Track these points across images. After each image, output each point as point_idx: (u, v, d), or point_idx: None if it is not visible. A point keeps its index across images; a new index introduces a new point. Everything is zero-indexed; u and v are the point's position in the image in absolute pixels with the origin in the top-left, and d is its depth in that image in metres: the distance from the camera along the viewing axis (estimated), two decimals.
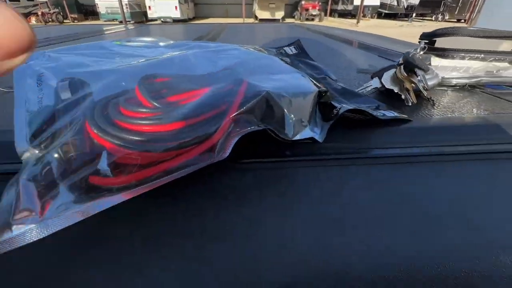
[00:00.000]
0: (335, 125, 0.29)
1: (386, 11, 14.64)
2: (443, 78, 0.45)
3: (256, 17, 11.94)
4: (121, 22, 7.89)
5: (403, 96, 0.39)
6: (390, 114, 0.32)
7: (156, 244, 0.18)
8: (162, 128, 0.20)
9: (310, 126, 0.27)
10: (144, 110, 0.22)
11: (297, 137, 0.26)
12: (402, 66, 0.39)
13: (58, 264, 0.16)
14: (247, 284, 0.16)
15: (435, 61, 0.47)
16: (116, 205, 0.17)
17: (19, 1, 9.81)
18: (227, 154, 0.20)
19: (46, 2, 9.95)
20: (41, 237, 0.15)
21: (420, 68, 0.37)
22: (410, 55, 0.40)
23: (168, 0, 9.70)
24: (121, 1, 7.23)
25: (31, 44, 0.08)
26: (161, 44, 0.41)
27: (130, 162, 0.19)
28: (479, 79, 0.46)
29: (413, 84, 0.39)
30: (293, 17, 13.08)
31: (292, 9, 13.72)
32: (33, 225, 0.15)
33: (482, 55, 0.45)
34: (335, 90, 0.37)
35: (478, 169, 0.25)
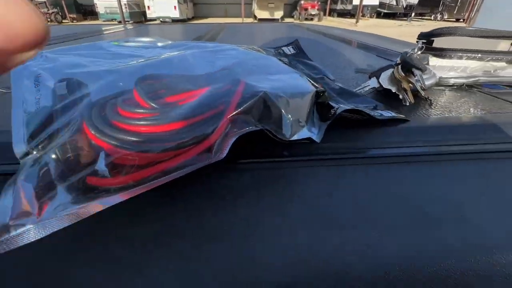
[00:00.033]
0: (332, 125, 0.29)
1: (385, 11, 14.66)
2: (440, 77, 0.45)
3: (255, 17, 11.94)
4: (120, 22, 7.88)
5: (400, 96, 0.39)
6: (388, 114, 0.32)
7: (154, 244, 0.18)
8: (160, 129, 0.20)
9: (308, 126, 0.27)
10: (142, 110, 0.22)
11: (295, 137, 0.26)
12: (399, 66, 0.39)
13: (57, 264, 0.16)
14: (246, 284, 0.16)
15: (433, 60, 0.47)
16: (114, 206, 0.17)
17: None
18: (225, 154, 0.20)
19: (45, 2, 9.92)
20: (39, 237, 0.15)
21: (417, 68, 0.37)
22: (407, 55, 0.40)
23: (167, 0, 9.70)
24: (120, 1, 7.22)
25: (46, 38, 0.08)
26: (159, 44, 0.41)
27: (127, 163, 0.19)
28: (476, 78, 0.46)
29: (410, 84, 0.39)
30: (292, 16, 13.08)
31: (291, 8, 13.72)
32: (31, 226, 0.15)
33: (480, 55, 0.45)
34: (333, 90, 0.37)
35: (475, 169, 0.26)
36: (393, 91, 0.39)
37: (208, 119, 0.22)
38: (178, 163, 0.19)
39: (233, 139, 0.21)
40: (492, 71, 0.46)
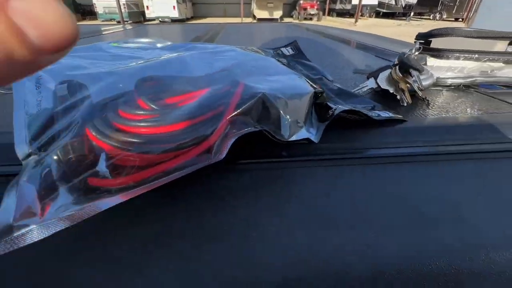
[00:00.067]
0: (330, 125, 0.29)
1: (384, 10, 14.67)
2: (438, 78, 0.46)
3: (254, 17, 11.94)
4: (119, 22, 7.87)
5: (398, 97, 0.39)
6: (385, 114, 0.32)
7: (155, 244, 0.18)
8: (160, 130, 0.21)
9: (306, 126, 0.28)
10: (142, 112, 0.22)
11: (293, 138, 0.26)
12: (397, 67, 0.40)
13: (57, 264, 0.17)
14: (245, 284, 0.16)
15: (431, 61, 0.47)
16: (115, 206, 0.17)
17: None
18: (224, 155, 0.21)
19: None
20: (42, 237, 0.15)
21: (414, 69, 0.38)
22: (405, 56, 0.40)
23: None
24: (119, 1, 7.21)
25: (76, 40, 0.09)
26: (159, 45, 0.41)
27: (128, 164, 0.19)
28: (473, 79, 0.46)
29: (408, 85, 0.39)
30: (291, 16, 13.09)
31: (290, 8, 13.73)
32: (34, 226, 0.15)
33: (477, 55, 0.45)
34: (331, 91, 0.38)
35: (472, 169, 0.26)
36: (391, 91, 0.40)
37: (208, 120, 0.22)
38: (178, 164, 0.20)
39: (232, 140, 0.21)
40: (489, 72, 0.46)
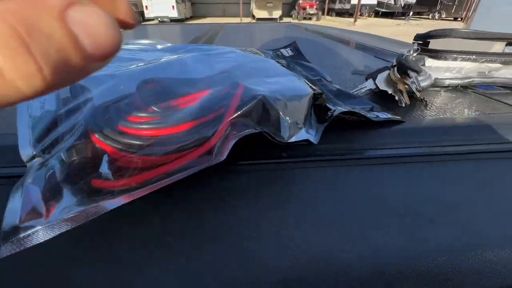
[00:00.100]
0: (329, 126, 0.30)
1: (383, 10, 14.69)
2: (436, 78, 0.46)
3: (253, 16, 11.94)
4: None
5: (396, 97, 0.40)
6: (383, 115, 0.33)
7: (155, 244, 0.18)
8: (162, 132, 0.21)
9: (305, 128, 0.28)
10: (144, 114, 0.22)
11: (293, 139, 0.26)
12: (395, 68, 0.40)
13: (57, 264, 0.17)
14: (245, 284, 0.16)
15: (429, 62, 0.47)
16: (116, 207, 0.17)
17: None
18: (225, 156, 0.21)
19: None
20: (48, 238, 0.15)
21: (413, 70, 0.38)
22: (403, 57, 0.40)
23: None
24: None
25: (120, 48, 0.10)
26: (159, 47, 0.41)
27: (131, 166, 0.19)
28: (471, 79, 0.47)
29: (406, 86, 0.39)
30: (291, 16, 13.09)
31: (289, 8, 13.73)
32: (40, 227, 0.15)
33: (474, 56, 0.45)
34: (330, 92, 0.38)
35: (469, 169, 0.26)
36: (389, 92, 0.40)
37: (209, 122, 0.22)
38: (180, 165, 0.20)
39: (233, 142, 0.22)
40: (486, 72, 0.47)
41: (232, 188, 0.23)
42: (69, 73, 0.08)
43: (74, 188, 0.18)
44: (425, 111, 0.38)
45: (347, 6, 13.79)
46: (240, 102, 0.23)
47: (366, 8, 14.17)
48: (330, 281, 0.17)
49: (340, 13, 14.69)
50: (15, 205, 0.17)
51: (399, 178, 0.25)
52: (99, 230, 0.19)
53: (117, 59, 0.33)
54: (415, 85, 0.38)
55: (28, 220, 0.16)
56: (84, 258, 0.17)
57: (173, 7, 9.97)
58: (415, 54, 0.44)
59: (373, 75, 0.42)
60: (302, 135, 0.27)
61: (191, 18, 12.63)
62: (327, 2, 14.27)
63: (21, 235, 0.15)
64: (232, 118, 0.22)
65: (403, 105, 0.39)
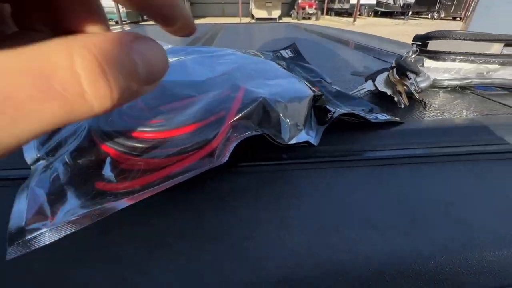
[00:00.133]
0: (329, 128, 0.30)
1: (383, 10, 14.70)
2: (435, 79, 0.46)
3: (252, 16, 11.93)
4: (117, 22, 7.87)
5: (395, 99, 0.40)
6: (383, 117, 0.33)
7: (156, 244, 0.18)
8: (165, 135, 0.21)
9: (305, 129, 0.28)
10: (147, 117, 0.22)
11: (293, 141, 0.27)
12: (394, 69, 0.40)
13: (57, 265, 0.17)
14: (246, 284, 0.17)
15: (428, 62, 0.48)
16: None
17: None
18: (226, 158, 0.21)
19: None
20: (52, 240, 0.15)
21: (411, 72, 0.38)
22: (402, 59, 0.41)
23: None
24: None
25: (165, 74, 0.11)
26: None
27: (133, 168, 0.19)
28: (469, 80, 0.47)
29: (405, 87, 0.40)
30: (290, 15, 13.09)
31: (289, 7, 13.72)
32: (45, 229, 0.15)
33: (473, 57, 0.46)
34: (329, 93, 0.38)
35: (467, 170, 0.26)
36: (389, 93, 0.41)
37: (210, 124, 0.22)
38: (182, 167, 0.20)
39: (235, 144, 0.22)
40: (484, 73, 0.47)
41: (234, 189, 0.23)
42: (129, 95, 0.10)
43: (78, 190, 0.18)
44: (424, 112, 0.39)
45: (346, 6, 13.80)
46: (241, 105, 0.24)
47: (365, 8, 14.18)
48: (330, 281, 0.17)
49: (339, 13, 14.69)
50: (20, 207, 0.17)
51: (398, 179, 0.25)
52: (99, 230, 0.19)
53: None
54: (414, 87, 0.38)
55: (33, 222, 0.16)
56: (85, 258, 0.17)
57: None
58: (414, 56, 0.44)
59: (372, 76, 0.42)
60: (302, 137, 0.27)
61: None
62: (326, 1, 14.28)
63: (27, 237, 0.15)
64: (233, 121, 0.22)
65: (402, 106, 0.39)
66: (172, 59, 0.34)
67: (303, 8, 12.20)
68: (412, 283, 0.17)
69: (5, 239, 0.15)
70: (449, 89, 0.48)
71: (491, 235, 0.20)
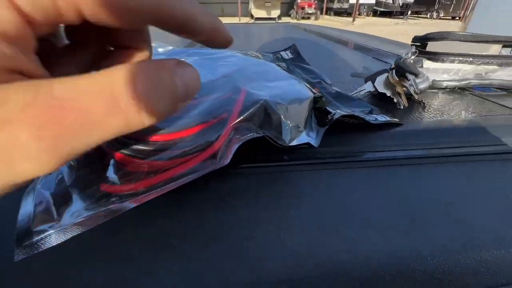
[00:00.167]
0: (329, 129, 0.30)
1: (382, 9, 14.71)
2: (434, 80, 0.47)
3: (252, 16, 11.93)
4: None
5: (395, 100, 0.40)
6: (382, 118, 0.33)
7: (157, 245, 0.19)
8: (168, 137, 0.21)
9: (306, 131, 0.29)
10: None
11: (294, 143, 0.27)
12: (394, 71, 0.41)
13: (58, 265, 0.17)
14: (246, 284, 0.17)
15: (427, 63, 0.48)
16: None
17: None
18: (229, 160, 0.21)
19: None
20: (59, 242, 0.16)
21: (411, 73, 0.39)
22: (401, 60, 0.41)
23: None
24: None
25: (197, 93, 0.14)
26: (160, 50, 0.42)
27: (137, 170, 0.20)
28: (468, 81, 0.47)
29: (404, 88, 0.40)
30: (289, 15, 13.08)
31: (288, 7, 13.72)
32: (52, 231, 0.16)
33: (471, 58, 0.46)
34: (329, 94, 0.39)
35: (466, 171, 0.27)
36: (388, 94, 0.41)
37: (212, 126, 0.23)
38: (185, 170, 0.20)
39: (237, 146, 0.22)
40: (483, 74, 0.48)
41: (236, 191, 0.23)
42: (169, 112, 0.12)
43: (83, 192, 0.19)
44: (423, 113, 0.39)
45: (346, 6, 13.81)
46: (242, 107, 0.24)
47: (364, 7, 14.19)
48: (330, 281, 0.17)
49: (339, 13, 14.70)
50: (27, 209, 0.17)
51: (398, 180, 0.25)
52: (99, 230, 0.19)
53: None
54: (413, 88, 0.39)
55: (40, 224, 0.16)
56: (86, 258, 0.18)
57: None
58: (413, 57, 0.44)
59: (372, 78, 0.43)
60: (303, 138, 0.28)
61: None
62: (325, 1, 14.29)
63: (35, 239, 0.15)
64: (235, 123, 0.23)
65: (402, 107, 0.40)
66: None
67: (302, 8, 12.21)
68: (412, 283, 0.18)
69: (11, 240, 0.16)
70: (448, 90, 0.48)
71: (491, 235, 0.20)
